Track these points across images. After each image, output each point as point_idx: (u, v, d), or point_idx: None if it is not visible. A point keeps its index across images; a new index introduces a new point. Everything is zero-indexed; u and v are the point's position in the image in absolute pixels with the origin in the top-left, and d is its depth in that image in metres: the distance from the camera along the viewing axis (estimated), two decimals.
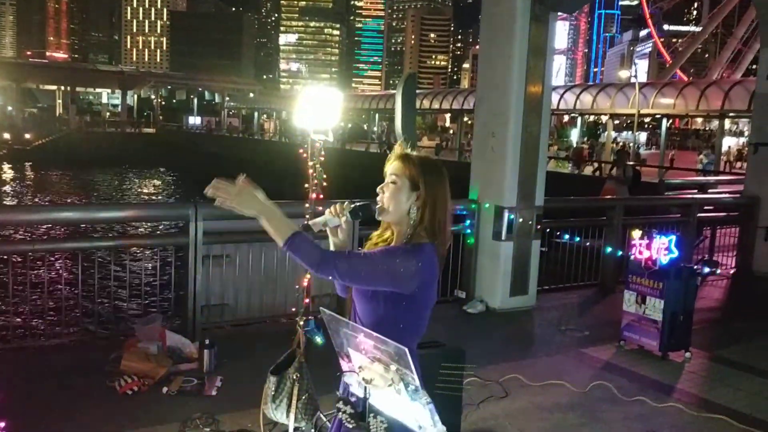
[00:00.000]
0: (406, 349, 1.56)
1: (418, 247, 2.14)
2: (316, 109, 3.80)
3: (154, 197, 41.38)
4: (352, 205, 2.33)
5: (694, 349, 6.19)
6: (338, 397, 1.89)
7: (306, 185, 3.85)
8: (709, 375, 5.79)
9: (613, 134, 50.24)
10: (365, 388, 1.68)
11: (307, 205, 3.86)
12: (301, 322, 3.86)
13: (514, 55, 7.25)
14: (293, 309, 4.02)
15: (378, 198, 2.27)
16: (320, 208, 4.01)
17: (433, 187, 2.21)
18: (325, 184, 3.88)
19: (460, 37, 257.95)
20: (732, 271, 10.24)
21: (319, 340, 3.95)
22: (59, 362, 5.26)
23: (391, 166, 2.26)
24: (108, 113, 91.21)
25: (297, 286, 3.99)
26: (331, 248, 2.32)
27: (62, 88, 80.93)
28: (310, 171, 3.87)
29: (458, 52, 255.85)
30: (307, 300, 3.95)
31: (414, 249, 2.13)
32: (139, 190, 45.49)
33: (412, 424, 1.67)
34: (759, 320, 7.75)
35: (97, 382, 4.81)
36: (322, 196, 3.90)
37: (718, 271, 9.86)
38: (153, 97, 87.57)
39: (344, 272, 2.09)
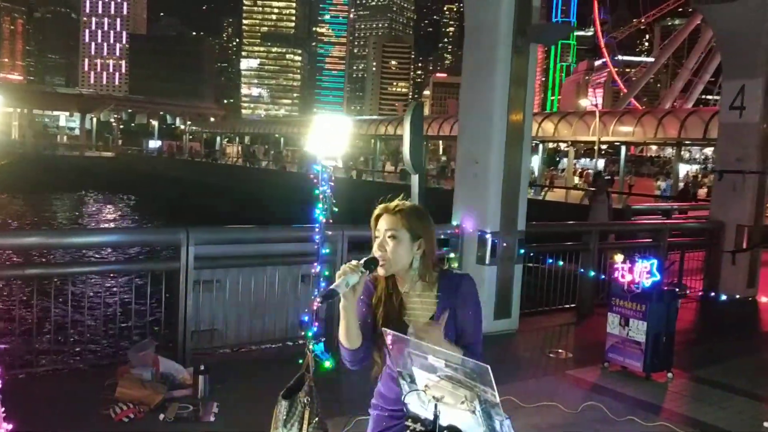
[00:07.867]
0: (488, 367, 1.64)
1: (460, 278, 2.38)
2: (326, 136, 3.90)
3: (115, 223, 40.54)
4: (364, 260, 2.32)
5: (675, 369, 6.37)
6: (407, 415, 1.95)
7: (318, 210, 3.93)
8: (693, 394, 5.97)
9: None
10: (435, 405, 1.75)
11: (316, 228, 3.95)
12: (311, 346, 3.90)
13: (497, 85, 7.44)
14: (302, 332, 4.07)
15: (379, 255, 2.33)
16: (330, 232, 4.12)
17: (429, 231, 2.38)
18: (335, 209, 3.97)
19: (420, 64, 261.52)
20: (700, 294, 10.56)
21: (328, 363, 4.00)
22: (53, 390, 5.17)
23: (384, 222, 2.35)
24: (65, 136, 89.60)
25: (306, 310, 4.04)
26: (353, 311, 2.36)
27: (17, 110, 79.35)
28: (320, 196, 3.95)
29: (419, 80, 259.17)
30: (316, 323, 4.00)
31: (466, 279, 2.38)
32: (101, 215, 44.54)
33: None
34: (733, 340, 8.03)
35: (91, 410, 4.73)
36: (332, 220, 3.98)
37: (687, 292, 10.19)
38: (112, 120, 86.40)
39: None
